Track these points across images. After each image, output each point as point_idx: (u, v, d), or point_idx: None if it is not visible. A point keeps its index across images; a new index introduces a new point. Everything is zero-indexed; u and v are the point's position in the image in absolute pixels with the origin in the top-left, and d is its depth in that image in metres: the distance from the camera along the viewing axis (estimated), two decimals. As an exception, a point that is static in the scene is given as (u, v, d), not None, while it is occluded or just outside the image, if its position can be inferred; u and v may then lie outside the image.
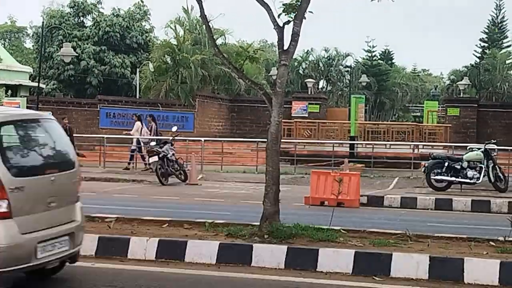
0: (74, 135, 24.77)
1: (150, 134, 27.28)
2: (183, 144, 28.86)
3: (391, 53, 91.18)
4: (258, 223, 10.75)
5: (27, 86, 43.68)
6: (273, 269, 9.20)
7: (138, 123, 27.89)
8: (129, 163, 27.63)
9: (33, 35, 61.00)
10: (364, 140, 35.78)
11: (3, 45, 52.71)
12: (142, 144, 27.26)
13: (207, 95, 42.66)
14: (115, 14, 52.17)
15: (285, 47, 11.01)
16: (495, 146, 22.34)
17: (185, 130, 34.85)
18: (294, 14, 10.92)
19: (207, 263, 9.49)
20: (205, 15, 11.98)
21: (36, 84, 42.18)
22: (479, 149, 21.52)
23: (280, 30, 11.02)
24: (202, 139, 29.80)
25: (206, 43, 40.92)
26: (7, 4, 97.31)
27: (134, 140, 27.72)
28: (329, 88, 75.08)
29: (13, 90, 40.16)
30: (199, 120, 39.09)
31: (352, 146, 31.46)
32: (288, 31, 11.01)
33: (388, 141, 36.33)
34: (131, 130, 28.10)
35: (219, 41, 45.11)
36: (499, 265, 8.69)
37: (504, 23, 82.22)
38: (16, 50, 60.55)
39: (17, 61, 49.70)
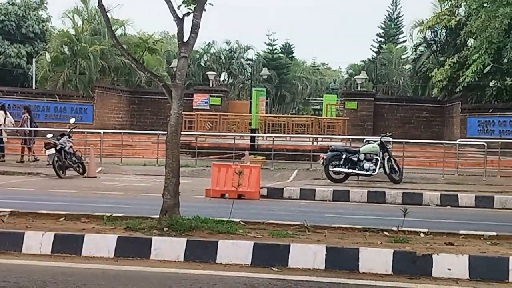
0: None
1: (19, 125, 27.18)
2: (82, 136, 28.28)
3: (292, 46, 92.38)
4: (158, 216, 10.70)
5: None
6: (172, 262, 9.15)
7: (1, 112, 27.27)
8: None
9: None
10: (264, 133, 36.13)
11: None
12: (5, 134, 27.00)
13: (107, 86, 42.01)
14: (10, 3, 50.75)
15: (185, 39, 10.95)
16: (390, 139, 22.92)
17: (83, 122, 34.34)
18: (194, 6, 10.88)
19: (105, 256, 9.35)
20: (103, 5, 11.79)
21: None
22: (375, 141, 22.04)
23: (179, 21, 10.96)
24: (101, 131, 29.33)
25: (105, 33, 40.19)
26: None
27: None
28: (230, 80, 75.16)
29: None
30: (98, 112, 38.53)
31: (253, 139, 31.64)
32: (188, 23, 10.98)
33: (288, 133, 36.74)
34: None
35: (118, 32, 44.55)
36: (392, 254, 8.91)
37: (400, 19, 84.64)
38: None
39: None
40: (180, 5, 10.95)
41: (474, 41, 35.48)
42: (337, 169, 21.04)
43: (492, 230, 11.41)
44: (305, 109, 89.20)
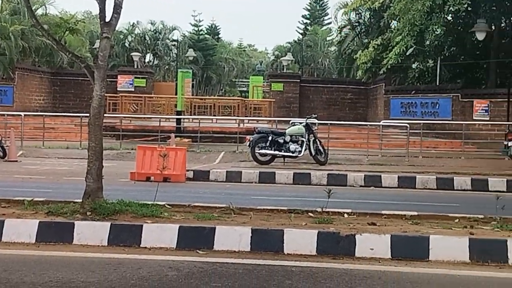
0: None
1: None
2: (1, 119, 27.59)
3: (218, 28, 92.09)
4: (81, 200, 10.55)
5: None
6: (96, 247, 9.05)
7: None
8: None
9: None
10: (191, 115, 35.95)
11: None
12: None
13: (28, 67, 41.13)
14: None
15: (107, 19, 10.79)
16: (315, 121, 23.17)
17: (3, 104, 33.67)
18: (116, -15, 10.76)
19: (26, 242, 9.17)
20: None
21: None
22: (300, 123, 22.20)
23: (101, 1, 10.77)
24: (22, 113, 28.80)
25: (25, 13, 39.19)
26: None
27: None
28: (156, 62, 74.41)
29: None
30: (18, 94, 37.73)
31: (178, 121, 31.49)
32: (110, 2, 10.81)
33: (214, 116, 36.78)
34: None
35: (39, 12, 43.62)
36: (317, 235, 9.00)
37: (325, 1, 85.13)
38: None
39: None
40: (102, -15, 10.79)
41: (397, 24, 36.19)
42: (263, 151, 21.10)
43: (413, 210, 11.69)
44: (232, 91, 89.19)
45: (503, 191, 16.78)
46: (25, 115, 28.57)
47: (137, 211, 10.36)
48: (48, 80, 42.69)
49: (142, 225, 9.35)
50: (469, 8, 30.44)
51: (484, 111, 29.26)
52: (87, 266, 8.09)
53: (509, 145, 21.18)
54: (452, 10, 29.62)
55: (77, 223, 9.46)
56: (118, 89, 40.87)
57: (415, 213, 11.09)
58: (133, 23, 71.35)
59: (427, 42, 33.24)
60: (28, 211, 10.44)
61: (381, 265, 8.42)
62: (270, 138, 21.27)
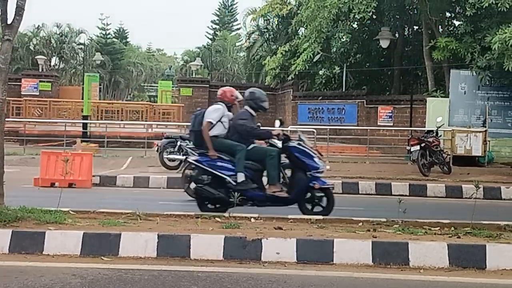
0: None
1: None
2: None
3: (126, 31, 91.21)
4: (-19, 207, 10.29)
5: None
6: None
7: None
8: None
9: None
10: (98, 120, 35.51)
11: None
12: None
13: None
14: None
15: (9, 22, 10.58)
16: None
17: None
18: (18, -13, 10.55)
19: None
20: None
21: None
22: (209, 128, 22.18)
23: (3, 3, 10.56)
24: None
25: None
26: None
27: None
28: (62, 65, 73.09)
29: None
30: None
31: (85, 126, 31.07)
32: (12, 4, 10.62)
33: (122, 120, 36.40)
34: None
35: None
36: (223, 240, 9.03)
37: (234, 6, 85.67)
38: None
39: None
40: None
41: (304, 30, 36.69)
42: (171, 156, 21.01)
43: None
44: (140, 95, 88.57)
45: (405, 195, 17.26)
46: None
47: (40, 217, 10.16)
48: None
49: (45, 232, 9.17)
50: (374, 17, 31.14)
51: (388, 117, 29.92)
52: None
53: (411, 150, 21.70)
54: (358, 18, 30.17)
55: (-26, 231, 9.22)
56: (22, 93, 39.89)
57: (320, 217, 11.23)
58: (38, 25, 70.01)
59: (334, 49, 33.78)
60: None
61: (287, 269, 8.52)
62: (178, 143, 21.19)
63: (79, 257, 8.84)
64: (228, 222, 10.44)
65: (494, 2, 23.93)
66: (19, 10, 10.54)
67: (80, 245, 9.01)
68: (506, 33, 22.59)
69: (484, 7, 24.46)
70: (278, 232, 9.74)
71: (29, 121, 31.79)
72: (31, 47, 67.36)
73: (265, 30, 46.47)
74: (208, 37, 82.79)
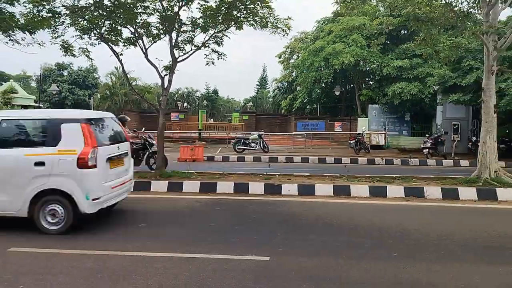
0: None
1: None
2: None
3: (217, 89, 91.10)
4: (154, 171, 10.40)
5: (32, 106, 38.83)
6: (160, 192, 8.77)
7: None
8: None
9: (35, 79, 54.48)
10: (205, 130, 35.48)
11: (19, 85, 46.28)
12: None
13: (128, 109, 40.01)
14: (79, 69, 47.68)
15: (165, 86, 10.70)
16: (263, 132, 23.06)
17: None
18: (168, 71, 10.66)
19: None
20: (125, 71, 11.41)
21: (37, 104, 37.78)
22: (256, 134, 22.17)
23: (162, 78, 10.70)
24: (127, 131, 27.98)
25: (126, 84, 38.53)
26: (22, 63, 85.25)
27: None
28: (188, 106, 73.33)
29: (25, 108, 35.58)
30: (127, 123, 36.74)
31: (199, 134, 31.16)
32: (166, 78, 10.69)
33: (216, 131, 36.37)
34: None
35: (133, 83, 42.80)
36: (264, 185, 8.83)
37: (266, 77, 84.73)
38: (25, 88, 53.30)
39: (27, 93, 43.99)
40: (162, 70, 10.69)
41: (299, 88, 36.29)
42: (239, 146, 21.03)
43: (308, 173, 11.59)
44: (224, 119, 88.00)
45: (348, 163, 17.02)
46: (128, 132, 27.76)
47: (180, 175, 10.24)
48: (138, 115, 41.77)
49: (182, 182, 9.19)
50: (332, 80, 30.72)
51: (339, 127, 29.52)
52: (157, 201, 7.88)
53: (350, 142, 21.39)
54: (324, 80, 29.86)
55: (152, 181, 9.25)
56: (171, 119, 39.65)
57: (309, 174, 11.09)
58: (178, 88, 70.34)
59: (313, 96, 33.46)
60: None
61: (293, 198, 8.42)
62: (242, 141, 21.23)
63: (198, 193, 8.78)
64: (265, 176, 10.34)
65: (388, 72, 23.57)
66: (169, 81, 10.66)
67: (199, 187, 8.97)
68: (394, 87, 22.26)
69: (384, 74, 24.05)
70: (289, 181, 9.66)
71: (173, 132, 31.93)
72: (175, 98, 67.73)
73: (281, 88, 46.25)
74: (255, 91, 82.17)
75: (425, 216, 7.02)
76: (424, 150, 18.56)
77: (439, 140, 18.74)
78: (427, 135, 20.29)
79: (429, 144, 18.51)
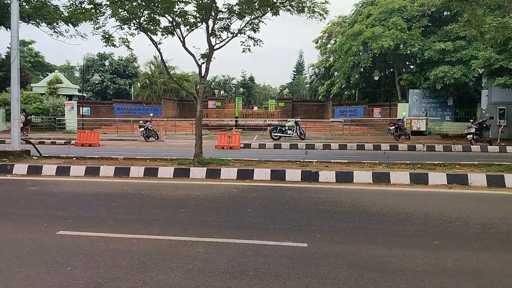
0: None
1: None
2: (156, 122, 27.80)
3: (253, 76, 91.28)
4: (193, 158, 10.64)
5: (76, 95, 40.58)
6: (199, 178, 9.06)
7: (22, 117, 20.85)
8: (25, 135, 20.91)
9: (79, 69, 56.86)
10: (242, 118, 35.69)
11: (64, 75, 48.31)
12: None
13: (167, 98, 40.86)
14: (120, 59, 49.15)
15: (202, 74, 10.82)
16: (300, 119, 22.93)
17: (157, 115, 33.71)
18: (205, 59, 10.75)
19: (168, 177, 9.28)
20: (163, 60, 11.60)
21: (81, 94, 39.46)
22: (293, 120, 22.08)
23: (199, 66, 10.83)
24: (165, 119, 28.92)
25: (165, 73, 39.37)
26: (66, 54, 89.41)
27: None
28: (225, 94, 73.86)
29: (69, 97, 37.23)
30: (163, 110, 37.45)
31: (236, 121, 31.42)
32: (203, 66, 10.79)
33: (253, 118, 36.48)
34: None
35: (171, 72, 43.64)
36: (301, 172, 8.87)
37: (303, 62, 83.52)
38: (70, 78, 55.70)
39: (71, 83, 45.94)
40: (199, 58, 10.81)
41: (336, 73, 35.59)
42: (275, 133, 21.06)
43: (346, 159, 11.57)
44: (260, 106, 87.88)
45: (388, 150, 16.60)
46: (166, 119, 28.68)
47: (218, 162, 10.39)
48: (176, 103, 42.46)
49: (220, 169, 9.35)
50: (371, 65, 29.84)
51: (379, 113, 28.75)
52: (196, 187, 8.17)
53: (390, 128, 20.81)
54: (363, 66, 29.10)
55: (191, 168, 9.50)
56: (209, 107, 40.28)
57: (347, 161, 11.00)
58: (215, 76, 70.60)
59: (351, 81, 32.74)
60: (169, 163, 10.56)
61: (331, 185, 8.40)
62: (278, 128, 21.21)
63: (235, 180, 8.92)
64: (302, 163, 10.33)
65: (430, 55, 22.54)
66: (207, 69, 10.76)
67: (236, 174, 9.10)
68: (436, 71, 21.29)
69: (426, 58, 23.04)
70: (326, 168, 9.59)
71: (211, 120, 32.38)
72: (211, 86, 68.41)
73: (318, 73, 45.49)
74: (291, 78, 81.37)
75: (469, 204, 6.73)
76: (468, 136, 17.78)
77: (484, 125, 17.83)
78: (471, 120, 19.36)
79: (473, 130, 17.68)
